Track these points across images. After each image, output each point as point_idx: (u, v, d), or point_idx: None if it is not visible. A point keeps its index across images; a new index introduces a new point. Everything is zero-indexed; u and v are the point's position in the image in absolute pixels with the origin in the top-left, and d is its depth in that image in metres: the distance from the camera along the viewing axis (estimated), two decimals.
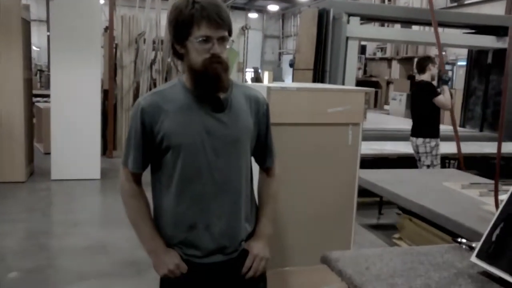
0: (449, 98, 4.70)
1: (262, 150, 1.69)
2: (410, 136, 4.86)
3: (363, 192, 3.72)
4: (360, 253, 1.62)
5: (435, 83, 4.94)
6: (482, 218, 2.62)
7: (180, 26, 1.46)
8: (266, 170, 1.72)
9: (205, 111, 1.52)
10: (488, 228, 1.55)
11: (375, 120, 7.51)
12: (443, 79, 4.73)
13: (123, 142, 7.44)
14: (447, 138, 5.16)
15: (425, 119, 4.73)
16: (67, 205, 5.07)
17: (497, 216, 1.56)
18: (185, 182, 1.52)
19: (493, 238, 1.49)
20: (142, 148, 1.53)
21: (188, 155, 1.50)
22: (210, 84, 1.49)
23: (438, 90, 4.68)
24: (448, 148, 5.06)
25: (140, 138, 1.52)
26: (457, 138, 4.96)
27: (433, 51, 10.97)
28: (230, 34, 1.50)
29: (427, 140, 4.67)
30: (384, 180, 3.53)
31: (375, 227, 4.44)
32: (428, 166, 4.69)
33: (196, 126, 1.50)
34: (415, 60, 11.25)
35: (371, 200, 4.90)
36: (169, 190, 1.54)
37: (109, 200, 5.42)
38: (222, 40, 1.46)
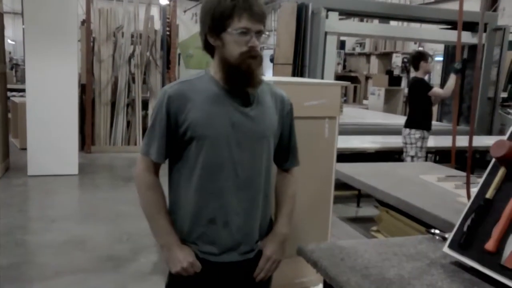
0: (451, 85, 4.80)
1: (285, 150, 1.67)
2: None
3: (342, 185, 3.75)
4: (335, 245, 1.63)
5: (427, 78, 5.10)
6: (457, 210, 2.66)
7: (218, 17, 1.42)
8: (287, 170, 1.71)
9: (232, 104, 1.49)
10: (460, 219, 1.58)
11: (353, 114, 7.58)
12: (454, 67, 4.73)
13: (101, 136, 7.36)
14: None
15: (416, 112, 4.93)
16: (44, 200, 4.99)
17: (468, 207, 1.59)
18: (207, 175, 1.48)
19: (464, 229, 1.52)
20: (166, 137, 1.48)
21: (212, 148, 1.47)
22: (243, 78, 1.46)
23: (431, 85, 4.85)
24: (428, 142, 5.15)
25: (164, 127, 1.47)
26: (454, 132, 5.02)
27: (411, 47, 11.12)
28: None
29: (413, 131, 4.88)
30: (362, 173, 3.57)
31: (353, 220, 4.49)
32: (412, 158, 4.82)
33: (222, 119, 1.47)
34: (394, 55, 11.39)
35: (349, 194, 4.96)
36: (190, 183, 1.50)
37: (87, 195, 5.36)
38: (259, 33, 1.43)
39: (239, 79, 1.46)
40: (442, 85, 7.35)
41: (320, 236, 2.38)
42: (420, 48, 10.06)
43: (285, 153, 1.67)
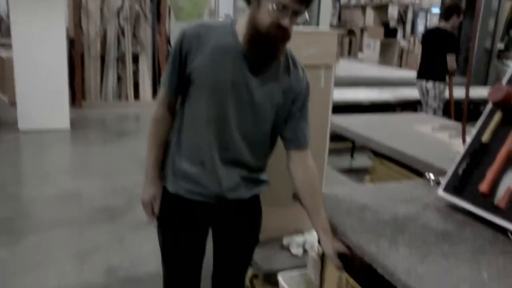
0: (452, 63, 4.74)
1: (295, 129, 1.55)
2: (416, 79, 4.93)
3: (336, 138, 3.74)
4: (330, 192, 1.63)
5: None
6: (450, 159, 2.65)
7: None
8: (300, 151, 1.55)
9: (241, 65, 1.43)
10: (455, 164, 1.58)
11: (349, 67, 7.49)
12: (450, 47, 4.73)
13: (92, 91, 7.25)
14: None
15: (441, 63, 4.76)
16: (37, 155, 4.96)
17: (464, 152, 1.59)
18: (198, 123, 1.48)
19: (459, 173, 1.52)
20: (178, 73, 1.48)
21: (208, 98, 1.45)
22: (263, 48, 1.39)
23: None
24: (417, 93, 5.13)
25: (177, 62, 1.47)
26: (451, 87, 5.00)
27: None
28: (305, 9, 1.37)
29: (437, 83, 4.79)
30: (356, 124, 3.55)
31: (347, 172, 4.52)
32: (434, 110, 4.79)
33: (225, 75, 1.43)
34: (390, 7, 11.16)
35: (343, 146, 4.96)
36: (186, 125, 1.51)
37: (80, 150, 5.33)
38: (296, 14, 1.35)
39: (260, 46, 1.39)
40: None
41: None
42: (417, 1, 9.84)
43: (295, 131, 1.55)
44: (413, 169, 3.00)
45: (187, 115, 1.49)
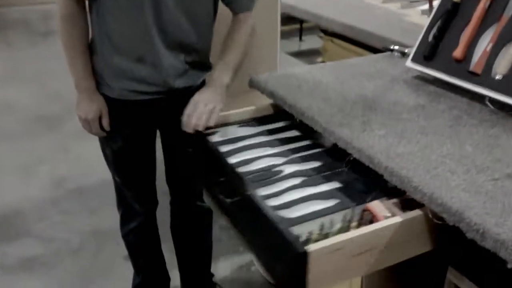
0: None
1: None
2: None
3: (283, 20, 3.50)
4: (289, 73, 1.47)
5: None
6: (405, 30, 2.56)
7: None
8: (238, 16, 1.37)
9: None
10: (424, 30, 1.43)
11: None
12: None
13: None
14: None
15: None
16: None
17: (433, 15, 1.43)
18: (129, 8, 1.23)
19: (430, 39, 1.38)
20: None
21: None
22: None
23: None
24: None
25: None
26: None
27: None
28: None
29: None
30: (304, 1, 3.32)
31: (297, 55, 4.35)
32: None
33: None
34: None
35: (291, 28, 4.72)
36: (114, 15, 1.25)
37: (3, 55, 4.79)
38: None
39: None
40: None
41: (270, 70, 2.22)
42: None
43: None
44: (367, 46, 2.87)
45: (109, 1, 1.23)
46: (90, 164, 2.75)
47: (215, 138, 1.24)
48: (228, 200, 1.05)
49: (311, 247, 0.82)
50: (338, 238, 0.86)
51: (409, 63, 1.41)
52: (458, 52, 1.28)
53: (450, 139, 1.05)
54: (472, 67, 1.24)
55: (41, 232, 2.29)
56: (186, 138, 1.23)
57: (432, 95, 1.29)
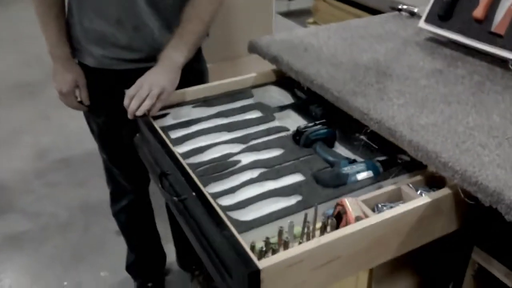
0: None
1: None
2: None
3: None
4: (292, 35, 1.35)
5: None
6: None
7: None
8: None
9: None
10: None
11: None
12: None
13: None
14: None
15: None
16: None
17: None
18: None
19: None
20: None
21: None
22: None
23: None
24: None
25: None
26: None
27: None
28: None
29: None
30: None
31: (286, 15, 4.17)
32: None
33: None
34: None
35: None
36: None
37: None
38: None
39: None
40: None
41: (266, 33, 2.08)
42: None
43: None
44: (362, 6, 2.74)
45: None
46: (75, 133, 2.63)
47: (165, 122, 1.09)
48: (175, 199, 0.87)
49: (263, 263, 0.67)
50: (296, 250, 0.70)
51: (422, 23, 1.30)
52: (478, 11, 1.17)
53: (474, 108, 0.96)
54: (494, 28, 1.14)
55: (27, 206, 2.19)
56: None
57: (448, 59, 1.19)
